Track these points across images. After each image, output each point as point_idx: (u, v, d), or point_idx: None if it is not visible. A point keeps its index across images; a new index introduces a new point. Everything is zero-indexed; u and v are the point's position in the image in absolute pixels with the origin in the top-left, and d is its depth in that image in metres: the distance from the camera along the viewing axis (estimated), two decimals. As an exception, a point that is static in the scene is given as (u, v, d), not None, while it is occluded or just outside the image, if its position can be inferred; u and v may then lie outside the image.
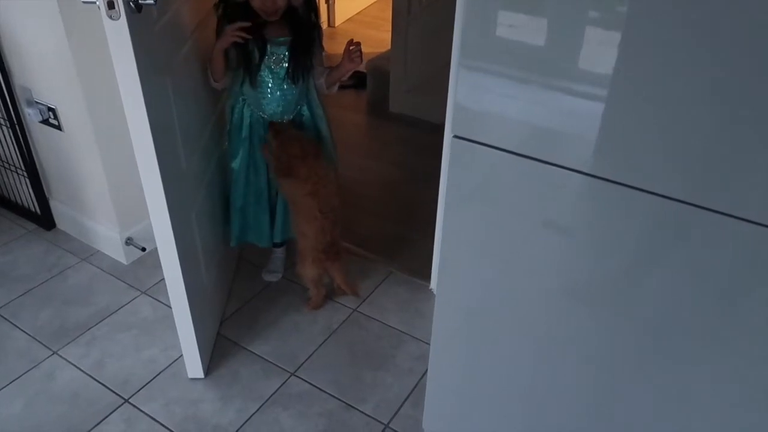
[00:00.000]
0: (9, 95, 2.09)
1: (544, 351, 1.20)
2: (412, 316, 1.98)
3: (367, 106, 3.50)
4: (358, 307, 2.01)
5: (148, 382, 1.74)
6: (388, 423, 1.64)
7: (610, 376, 1.14)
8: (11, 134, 2.18)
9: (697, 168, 0.88)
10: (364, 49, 1.79)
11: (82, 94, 1.88)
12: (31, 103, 2.08)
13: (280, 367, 1.79)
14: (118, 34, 1.19)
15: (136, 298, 2.05)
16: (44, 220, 2.35)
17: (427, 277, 2.10)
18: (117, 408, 1.67)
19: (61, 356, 1.82)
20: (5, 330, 1.91)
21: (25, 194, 2.35)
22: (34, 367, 1.78)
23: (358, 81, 3.54)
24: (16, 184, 2.36)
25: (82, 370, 1.78)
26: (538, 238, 1.08)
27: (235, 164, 1.88)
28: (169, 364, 1.79)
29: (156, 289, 2.08)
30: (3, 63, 2.05)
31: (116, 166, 2.03)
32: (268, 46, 1.73)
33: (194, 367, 1.73)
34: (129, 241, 2.17)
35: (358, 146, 3.04)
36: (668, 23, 0.82)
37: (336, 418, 1.65)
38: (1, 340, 1.88)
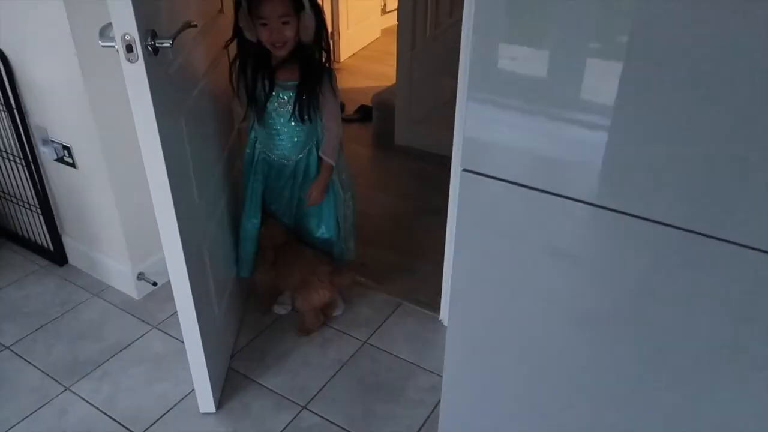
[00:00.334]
0: (25, 134, 2.14)
1: (554, 380, 1.20)
2: (421, 347, 1.98)
3: (373, 139, 3.54)
4: (368, 339, 2.02)
5: (160, 417, 1.74)
6: (401, 456, 1.63)
7: (621, 405, 1.14)
8: (26, 172, 2.22)
9: (703, 197, 0.90)
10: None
11: (96, 132, 1.93)
12: (47, 141, 2.12)
13: (291, 401, 1.79)
14: (135, 76, 1.24)
15: (147, 332, 2.06)
16: (57, 255, 2.38)
17: (436, 308, 2.11)
18: (129, 444, 1.67)
19: (73, 392, 1.83)
20: (19, 366, 1.93)
21: (38, 230, 2.39)
22: (47, 403, 1.79)
23: (363, 114, 3.57)
24: (29, 221, 2.40)
25: (94, 406, 1.78)
26: (547, 268, 1.10)
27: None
28: (181, 399, 1.80)
29: (167, 324, 2.09)
30: (19, 102, 2.10)
31: (128, 202, 2.07)
32: (275, 91, 1.77)
33: (206, 401, 1.73)
34: (141, 276, 2.19)
35: (365, 178, 3.07)
36: (670, 58, 0.85)
37: (348, 451, 1.65)
38: (14, 377, 1.89)
